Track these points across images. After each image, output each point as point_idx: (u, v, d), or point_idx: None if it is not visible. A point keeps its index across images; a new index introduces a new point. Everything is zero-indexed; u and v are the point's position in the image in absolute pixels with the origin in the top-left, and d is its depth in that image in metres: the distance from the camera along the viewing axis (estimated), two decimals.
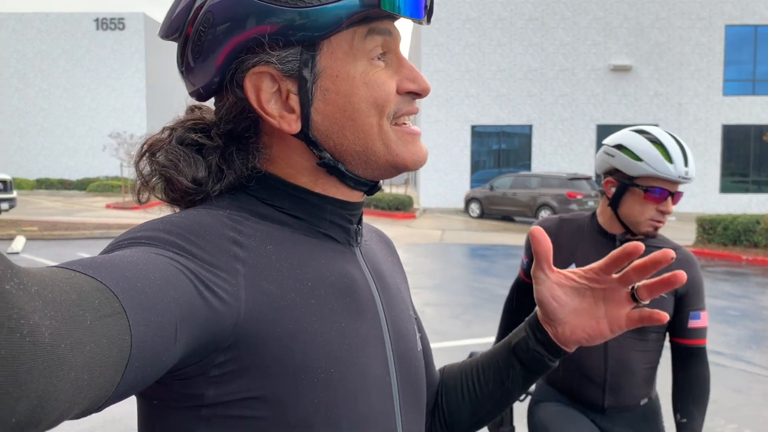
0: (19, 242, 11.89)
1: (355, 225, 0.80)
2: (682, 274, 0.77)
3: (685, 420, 1.78)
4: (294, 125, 0.72)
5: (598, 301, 0.84)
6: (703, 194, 22.85)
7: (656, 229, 1.79)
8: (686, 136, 22.87)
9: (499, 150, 24.05)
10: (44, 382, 0.40)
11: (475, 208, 20.29)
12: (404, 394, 0.78)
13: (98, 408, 0.49)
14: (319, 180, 0.76)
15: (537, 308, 0.87)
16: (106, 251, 0.61)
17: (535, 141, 23.44)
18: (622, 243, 1.88)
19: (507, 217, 19.55)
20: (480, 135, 23.69)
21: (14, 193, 16.85)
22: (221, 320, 0.60)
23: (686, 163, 1.75)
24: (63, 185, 27.31)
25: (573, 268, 1.87)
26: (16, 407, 0.38)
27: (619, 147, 1.81)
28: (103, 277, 0.50)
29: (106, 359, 0.46)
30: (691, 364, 1.85)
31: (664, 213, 1.77)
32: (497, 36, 23.21)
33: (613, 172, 1.85)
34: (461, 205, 22.02)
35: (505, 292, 2.21)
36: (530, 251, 2.04)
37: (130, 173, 23.15)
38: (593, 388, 1.86)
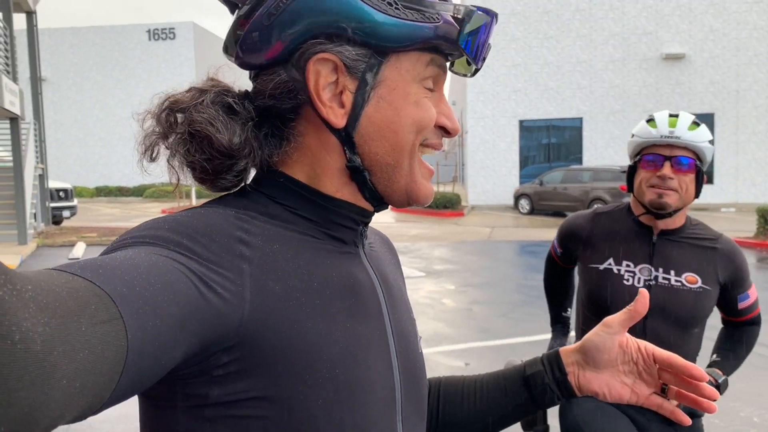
0: (79, 248, 12.36)
1: (362, 227, 0.80)
2: (710, 405, 0.83)
3: (719, 358, 1.84)
4: (341, 119, 0.73)
5: (632, 373, 0.89)
6: (765, 183, 21.94)
7: (660, 196, 1.76)
8: (745, 123, 22.01)
9: (549, 144, 23.66)
10: (35, 390, 0.40)
11: (525, 204, 20.01)
12: (407, 396, 0.78)
13: (94, 412, 0.49)
14: (341, 183, 0.76)
15: (564, 349, 0.90)
16: (109, 250, 0.61)
17: (586, 134, 22.96)
18: (658, 237, 1.85)
19: (558, 213, 19.20)
20: (528, 130, 23.36)
21: (75, 201, 17.55)
22: (225, 320, 0.60)
23: (673, 125, 1.76)
24: (121, 192, 28.27)
25: (612, 263, 1.84)
26: (5, 415, 0.38)
27: (632, 135, 1.92)
28: (102, 281, 0.49)
29: (100, 366, 0.46)
30: (743, 328, 1.93)
31: (663, 178, 1.75)
32: (543, 29, 22.83)
33: (631, 159, 1.93)
34: (511, 202, 21.75)
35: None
36: (563, 243, 2.04)
37: (183, 179, 23.81)
38: None
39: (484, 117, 23.12)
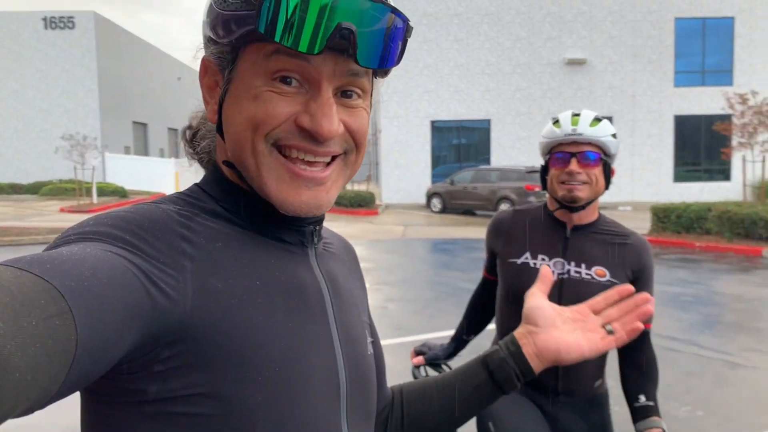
0: None
1: (311, 227, 0.80)
2: (648, 309, 0.91)
3: (652, 403, 1.83)
4: (212, 115, 0.77)
5: (576, 329, 0.94)
6: (658, 183, 23.42)
7: (570, 191, 1.84)
8: (640, 127, 23.40)
9: (459, 145, 24.22)
10: None
11: (436, 202, 20.40)
12: (352, 397, 0.78)
13: (41, 406, 0.49)
14: (239, 180, 0.77)
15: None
16: (54, 246, 0.61)
17: (493, 135, 23.68)
18: (571, 232, 1.93)
19: (468, 211, 19.71)
20: (440, 130, 23.83)
21: None
22: (166, 316, 0.61)
23: (575, 123, 1.86)
24: (14, 189, 26.51)
25: (528, 257, 1.91)
26: None
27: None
28: (50, 276, 0.50)
29: (50, 359, 0.46)
30: (641, 347, 1.90)
31: (572, 174, 1.84)
32: (454, 31, 23.36)
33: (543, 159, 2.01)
34: (423, 201, 22.12)
35: (467, 285, 2.28)
36: (489, 243, 2.08)
37: (84, 175, 22.67)
38: (546, 374, 1.88)
39: (398, 117, 23.38)
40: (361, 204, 19.68)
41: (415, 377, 2.25)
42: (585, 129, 1.84)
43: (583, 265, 1.87)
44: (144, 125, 35.39)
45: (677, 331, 6.47)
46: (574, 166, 1.83)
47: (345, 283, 0.86)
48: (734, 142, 16.11)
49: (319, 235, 0.83)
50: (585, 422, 1.92)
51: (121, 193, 23.30)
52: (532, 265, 1.90)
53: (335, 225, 16.22)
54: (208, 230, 0.71)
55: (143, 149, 35.03)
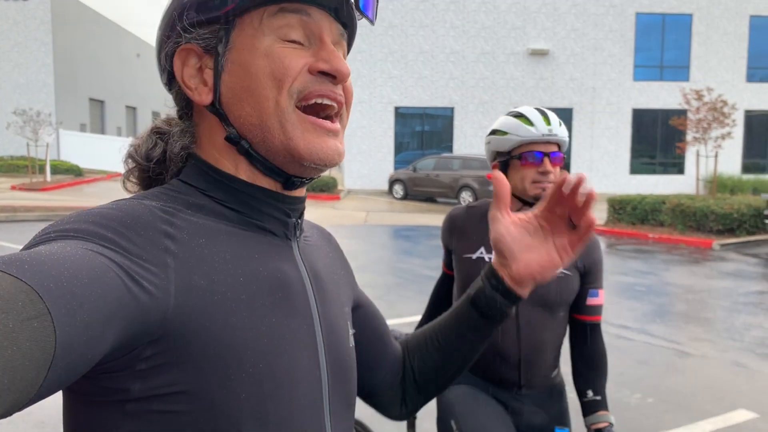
0: None
1: (295, 219, 0.81)
2: (591, 190, 0.87)
3: (599, 397, 1.89)
4: (205, 97, 0.76)
5: (547, 236, 0.90)
6: (615, 175, 23.93)
7: (544, 190, 1.87)
8: (599, 119, 23.82)
9: (422, 132, 24.29)
10: None
11: (399, 189, 20.45)
12: (334, 390, 0.79)
13: (19, 408, 0.48)
14: (239, 164, 0.77)
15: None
16: (33, 244, 0.60)
17: (456, 123, 23.81)
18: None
19: (430, 198, 19.82)
20: (403, 116, 23.84)
21: None
22: (149, 314, 0.60)
23: (548, 123, 1.88)
24: None
25: (483, 252, 1.94)
26: None
27: (492, 132, 1.96)
28: (28, 277, 0.49)
29: (28, 363, 0.46)
30: (590, 340, 1.96)
31: (545, 174, 1.87)
32: (420, 17, 23.32)
33: (495, 156, 1.97)
34: (385, 187, 22.15)
35: (428, 272, 2.29)
36: (445, 239, 2.10)
37: (37, 152, 21.96)
38: (508, 367, 1.93)
39: (361, 102, 23.29)
40: (323, 189, 19.60)
41: None
42: (558, 130, 1.88)
43: None
44: (101, 102, 34.42)
45: (630, 320, 6.66)
46: (548, 165, 1.86)
47: (327, 274, 0.86)
48: (689, 137, 16.55)
49: (301, 228, 0.84)
50: (546, 413, 1.97)
51: (76, 171, 22.66)
52: (487, 259, 1.93)
53: None
54: (192, 226, 0.71)
55: (100, 127, 34.09)
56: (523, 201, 1.92)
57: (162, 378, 0.63)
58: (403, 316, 6.39)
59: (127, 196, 0.76)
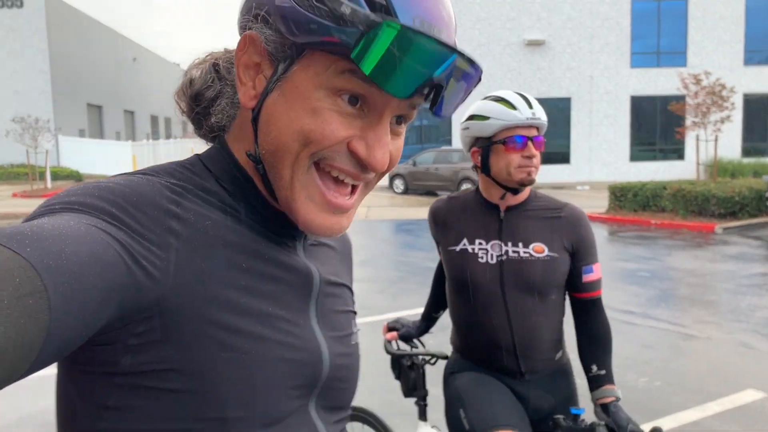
0: None
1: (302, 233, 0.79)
2: None
3: (604, 371, 1.87)
4: (249, 100, 0.71)
5: None
6: (615, 163, 23.90)
7: (530, 174, 1.85)
8: (598, 107, 23.78)
9: (421, 125, 24.26)
10: None
11: (399, 184, 20.43)
12: (329, 386, 0.78)
13: (9, 382, 0.48)
14: (255, 175, 0.75)
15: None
16: (36, 215, 0.59)
17: (455, 116, 23.73)
18: (505, 213, 1.93)
19: (431, 192, 19.81)
20: None
21: None
22: (147, 293, 0.60)
23: (531, 107, 1.84)
24: None
25: (466, 243, 1.92)
26: None
27: (470, 117, 1.90)
28: (28, 253, 0.49)
29: (22, 338, 0.46)
30: (592, 315, 1.94)
31: (530, 158, 1.84)
32: None
33: (474, 142, 1.92)
34: (386, 182, 22.15)
35: (431, 264, 2.30)
36: (433, 232, 2.09)
37: (36, 159, 21.98)
38: (506, 355, 1.91)
39: None
40: None
41: (387, 351, 2.31)
42: (540, 113, 1.85)
43: (520, 244, 1.88)
44: (99, 107, 34.40)
45: (634, 306, 6.65)
46: (532, 149, 1.83)
47: (333, 273, 0.85)
48: (688, 122, 16.51)
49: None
50: (552, 396, 1.95)
51: (76, 177, 22.68)
52: (470, 251, 1.91)
53: None
54: (200, 208, 0.69)
55: (98, 132, 34.09)
56: (506, 187, 1.89)
57: (152, 354, 0.62)
58: (405, 309, 6.39)
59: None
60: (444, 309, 2.27)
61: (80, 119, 31.82)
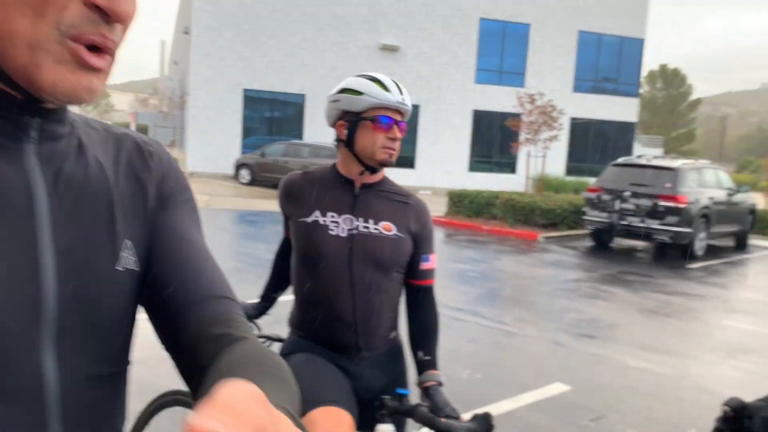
0: None
1: (36, 118, 0.66)
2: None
3: (429, 357, 1.96)
4: None
5: None
6: (455, 172, 25.16)
7: (391, 156, 1.90)
8: (443, 117, 24.91)
9: (272, 117, 23.91)
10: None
11: (245, 174, 19.97)
12: (68, 322, 0.67)
13: None
14: None
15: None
16: None
17: (307, 111, 23.70)
18: (360, 190, 1.97)
19: (278, 185, 19.55)
20: (253, 100, 23.29)
21: None
22: None
23: (401, 93, 1.92)
24: None
25: (318, 215, 1.92)
26: None
27: (342, 90, 1.94)
28: None
29: None
30: (424, 303, 2.03)
31: (394, 140, 1.90)
32: (272, 1, 22.89)
33: (342, 115, 1.95)
34: (231, 171, 21.52)
35: (272, 256, 2.24)
36: (282, 205, 2.07)
37: None
38: (346, 331, 1.93)
39: (208, 81, 22.42)
40: None
41: None
42: (408, 101, 1.92)
43: (371, 221, 1.93)
44: None
45: (463, 303, 7.03)
46: (398, 132, 1.89)
47: (84, 183, 0.72)
48: (522, 137, 17.80)
49: (52, 132, 0.69)
50: (385, 375, 2.00)
51: None
52: (321, 222, 1.92)
53: None
54: None
55: None
56: (366, 165, 1.92)
57: None
58: (244, 300, 6.24)
59: None
60: (283, 289, 2.24)
61: None
